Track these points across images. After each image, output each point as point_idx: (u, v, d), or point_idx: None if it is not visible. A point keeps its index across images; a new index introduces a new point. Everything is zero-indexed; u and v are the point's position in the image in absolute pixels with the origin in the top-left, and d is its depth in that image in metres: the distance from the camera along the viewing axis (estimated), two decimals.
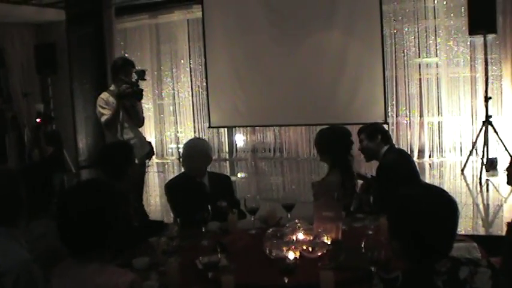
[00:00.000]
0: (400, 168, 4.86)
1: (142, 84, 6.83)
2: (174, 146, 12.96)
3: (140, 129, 6.92)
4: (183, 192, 4.66)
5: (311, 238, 3.62)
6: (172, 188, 4.88)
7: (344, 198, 4.45)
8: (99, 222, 2.47)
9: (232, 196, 4.96)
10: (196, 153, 4.83)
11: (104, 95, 6.57)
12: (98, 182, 2.78)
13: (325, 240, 3.60)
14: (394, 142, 5.53)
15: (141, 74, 6.70)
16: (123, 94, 6.39)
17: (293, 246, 3.42)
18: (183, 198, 4.63)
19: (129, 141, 6.28)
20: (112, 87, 6.65)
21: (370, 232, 3.88)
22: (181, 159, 4.99)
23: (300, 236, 3.66)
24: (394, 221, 2.44)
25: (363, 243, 3.06)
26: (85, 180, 3.65)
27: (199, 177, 4.83)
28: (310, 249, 3.49)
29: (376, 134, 5.06)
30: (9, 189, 2.96)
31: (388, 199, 2.56)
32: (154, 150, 12.01)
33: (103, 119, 6.45)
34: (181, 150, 12.04)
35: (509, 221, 3.39)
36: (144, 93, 6.77)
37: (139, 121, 6.77)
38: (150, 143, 7.15)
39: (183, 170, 5.01)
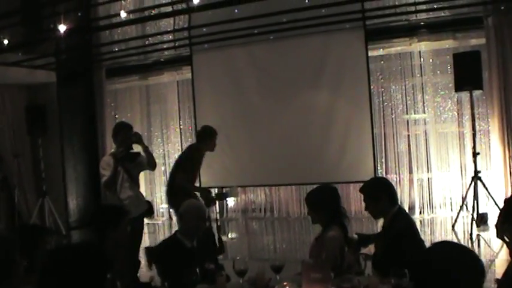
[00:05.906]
0: (412, 235, 4.61)
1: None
2: (165, 206, 12.85)
3: None
4: (172, 257, 4.60)
5: None
6: (161, 253, 4.80)
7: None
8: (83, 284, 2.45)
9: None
10: (195, 215, 4.84)
11: (107, 157, 7.04)
12: (87, 245, 2.78)
13: None
14: None
15: (137, 137, 7.02)
16: (118, 157, 6.72)
17: None
18: (171, 262, 4.57)
19: (126, 200, 6.75)
20: (113, 150, 7.02)
21: None
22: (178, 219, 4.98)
23: None
24: (417, 276, 2.43)
25: None
26: (76, 243, 3.66)
27: (191, 240, 4.79)
28: None
29: (379, 195, 4.74)
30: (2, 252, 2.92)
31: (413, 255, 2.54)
32: None
33: (102, 179, 6.85)
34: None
35: (498, 277, 3.38)
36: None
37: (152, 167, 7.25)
38: (149, 202, 7.42)
39: (172, 231, 5.00)
